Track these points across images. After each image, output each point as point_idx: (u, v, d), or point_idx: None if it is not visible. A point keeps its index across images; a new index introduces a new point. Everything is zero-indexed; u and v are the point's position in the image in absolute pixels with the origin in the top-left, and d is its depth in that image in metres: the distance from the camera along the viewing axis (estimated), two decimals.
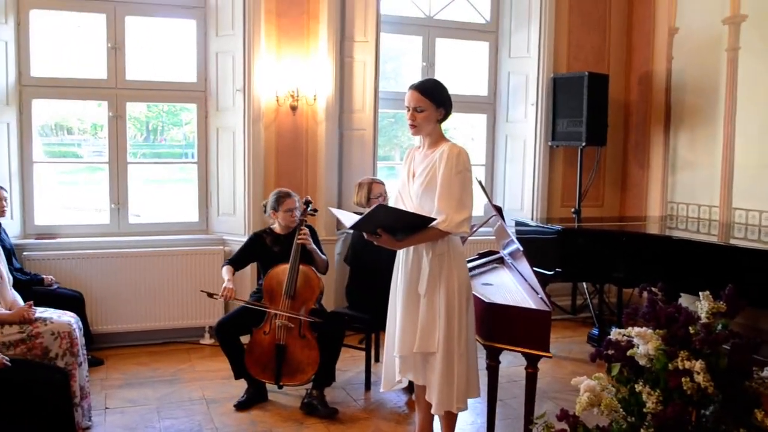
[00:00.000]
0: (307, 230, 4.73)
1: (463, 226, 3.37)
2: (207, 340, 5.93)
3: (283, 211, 4.76)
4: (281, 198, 4.77)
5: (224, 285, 4.54)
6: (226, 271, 4.70)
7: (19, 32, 5.63)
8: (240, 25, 5.78)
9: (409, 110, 3.48)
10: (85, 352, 4.16)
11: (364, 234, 3.51)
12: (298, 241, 4.62)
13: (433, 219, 3.34)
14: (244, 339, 4.63)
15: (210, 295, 4.53)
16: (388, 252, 3.65)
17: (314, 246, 4.76)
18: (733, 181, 6.00)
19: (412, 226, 3.38)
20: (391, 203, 3.68)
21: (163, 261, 5.80)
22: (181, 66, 6.19)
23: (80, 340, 4.06)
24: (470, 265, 4.85)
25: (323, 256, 4.84)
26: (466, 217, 3.38)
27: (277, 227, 4.86)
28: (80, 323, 4.19)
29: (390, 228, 3.39)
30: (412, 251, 3.51)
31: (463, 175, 3.39)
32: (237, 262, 4.85)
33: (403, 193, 3.60)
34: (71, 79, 5.82)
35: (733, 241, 5.11)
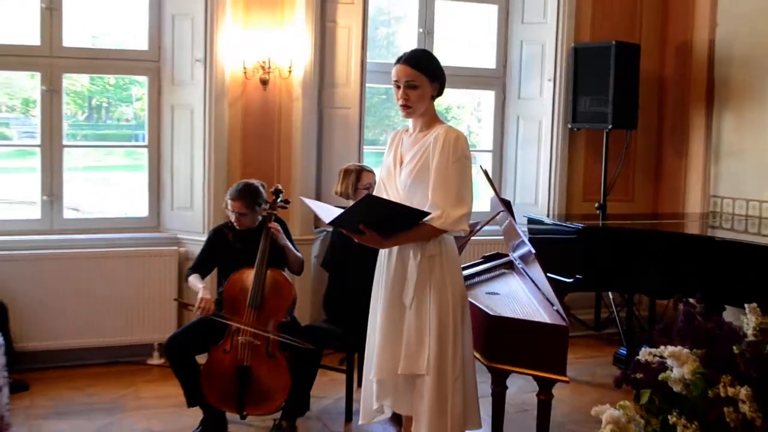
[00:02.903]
0: (277, 225, 4.70)
1: (461, 223, 3.39)
2: (155, 359, 5.91)
3: (229, 210, 4.73)
4: (229, 196, 4.70)
5: (200, 295, 4.49)
6: (195, 280, 4.67)
7: None
8: None
9: (399, 88, 3.48)
10: (6, 374, 4.13)
11: (344, 231, 3.50)
12: (271, 229, 4.60)
13: (428, 213, 3.35)
14: (201, 359, 4.59)
15: (184, 305, 4.51)
16: (376, 254, 3.65)
17: (287, 242, 4.74)
18: None
19: (401, 222, 3.38)
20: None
21: (104, 264, 5.75)
22: (130, 31, 6.18)
23: (0, 359, 4.01)
24: (474, 270, 4.89)
25: (298, 254, 4.84)
26: (465, 213, 3.39)
27: None
28: (2, 339, 4.14)
29: (375, 224, 3.38)
30: (396, 253, 3.51)
31: (461, 164, 3.41)
32: (202, 266, 4.82)
33: (388, 182, 3.60)
34: None
35: None
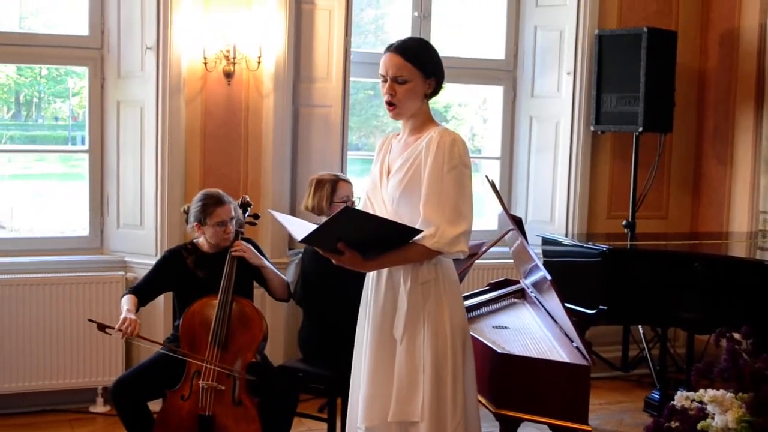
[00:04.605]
0: (244, 244, 4.73)
1: (458, 244, 3.40)
2: (100, 407, 5.90)
3: (212, 225, 4.70)
4: (209, 206, 4.70)
5: (123, 315, 4.49)
6: (126, 301, 4.66)
7: None
8: None
9: (386, 81, 3.51)
10: None
11: (320, 250, 3.52)
12: (234, 253, 4.63)
13: (419, 231, 3.37)
14: (154, 406, 4.60)
15: (102, 327, 4.48)
16: (357, 281, 3.67)
17: (263, 260, 4.78)
18: None
19: (387, 241, 3.40)
20: None
21: (36, 293, 5.72)
22: (68, 12, 6.16)
23: None
24: (478, 299, 4.88)
25: (280, 275, 4.86)
26: (463, 231, 3.41)
27: (203, 243, 4.84)
28: None
29: (356, 242, 3.40)
30: (385, 278, 3.53)
31: (459, 172, 3.42)
32: (144, 291, 4.80)
33: (373, 196, 3.64)
34: None
35: None
